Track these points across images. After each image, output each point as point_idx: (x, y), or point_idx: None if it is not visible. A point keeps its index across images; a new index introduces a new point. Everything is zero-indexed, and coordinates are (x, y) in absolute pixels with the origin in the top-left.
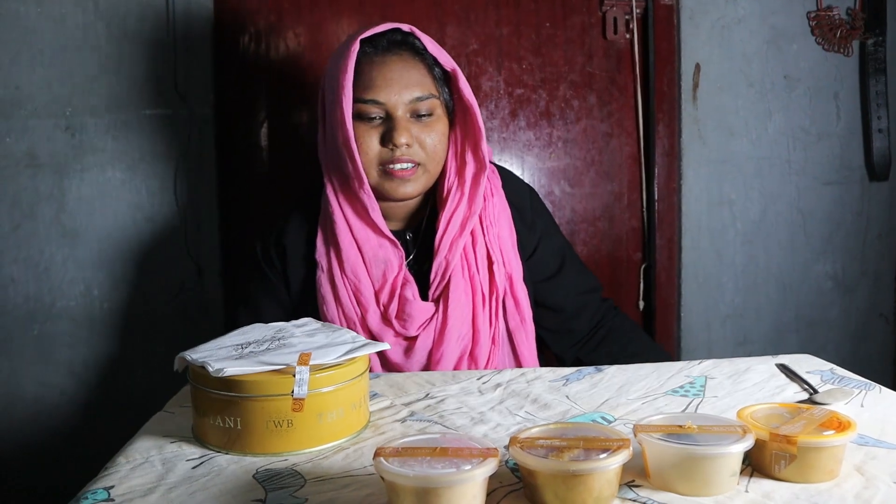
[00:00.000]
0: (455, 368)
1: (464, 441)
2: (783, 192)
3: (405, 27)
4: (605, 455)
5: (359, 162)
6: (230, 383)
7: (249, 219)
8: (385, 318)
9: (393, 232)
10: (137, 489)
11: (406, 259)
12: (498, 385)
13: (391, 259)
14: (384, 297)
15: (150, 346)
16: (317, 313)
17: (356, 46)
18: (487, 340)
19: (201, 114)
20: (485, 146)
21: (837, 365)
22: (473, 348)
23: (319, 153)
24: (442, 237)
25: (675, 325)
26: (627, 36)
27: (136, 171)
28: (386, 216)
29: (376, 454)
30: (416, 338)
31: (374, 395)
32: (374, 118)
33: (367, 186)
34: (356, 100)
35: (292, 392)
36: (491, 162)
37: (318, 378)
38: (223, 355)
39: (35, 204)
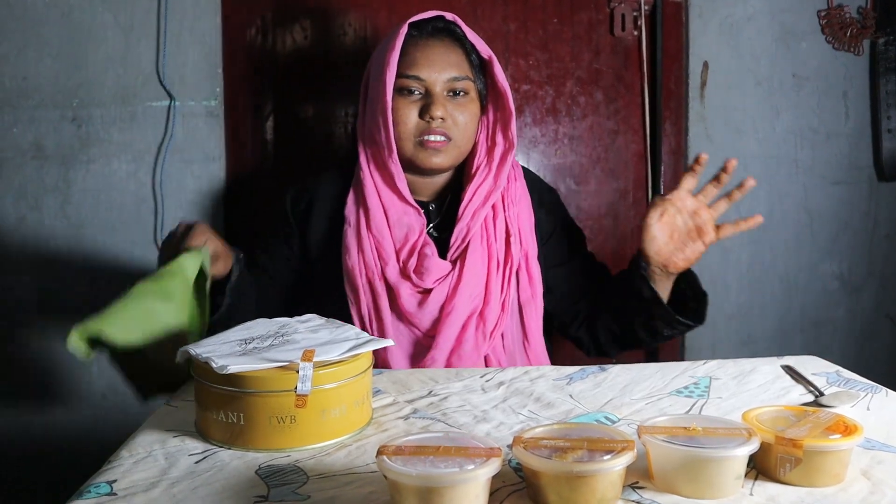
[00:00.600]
0: (464, 326)
1: (467, 440)
2: (790, 191)
3: (449, 16)
4: (609, 456)
5: (391, 131)
6: (234, 378)
7: (255, 212)
8: (403, 272)
9: (417, 202)
10: (140, 483)
11: (427, 227)
12: (501, 383)
13: (413, 224)
14: (404, 255)
15: None
16: (334, 266)
17: (405, 29)
18: (497, 305)
19: (208, 107)
20: (514, 127)
21: (842, 366)
22: (483, 308)
23: (358, 126)
24: (466, 206)
25: None
26: (635, 33)
27: (142, 164)
28: (413, 190)
29: (379, 452)
30: (430, 291)
31: (376, 392)
32: (415, 92)
33: (395, 156)
34: (399, 75)
35: (295, 388)
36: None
37: (321, 374)
38: (226, 351)
39: (41, 195)
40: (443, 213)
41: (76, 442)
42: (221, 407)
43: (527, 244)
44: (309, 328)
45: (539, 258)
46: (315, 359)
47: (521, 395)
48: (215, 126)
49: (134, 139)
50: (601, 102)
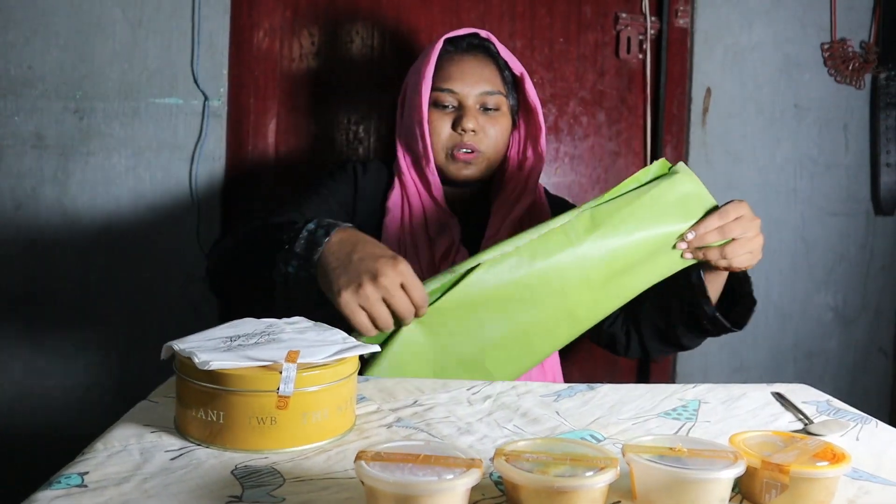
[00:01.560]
0: None
1: (448, 450)
2: (788, 220)
3: (483, 33)
4: (591, 473)
5: (429, 142)
6: (215, 376)
7: (253, 217)
8: (433, 266)
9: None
10: (112, 477)
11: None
12: (488, 397)
13: (450, 228)
14: (438, 253)
15: (140, 334)
16: None
17: (440, 44)
18: None
19: (212, 106)
20: (543, 142)
21: (834, 397)
22: None
23: (396, 133)
24: (497, 212)
25: None
26: (640, 56)
27: (142, 159)
28: (447, 199)
29: (357, 457)
30: None
31: (361, 399)
32: (448, 106)
33: (433, 166)
34: (434, 88)
35: (278, 389)
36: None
37: (305, 377)
38: (211, 347)
39: (38, 185)
40: (470, 222)
41: (61, 435)
42: (202, 404)
43: None
44: (296, 329)
45: None
46: (299, 360)
47: (507, 410)
48: (217, 126)
49: (135, 135)
50: (603, 123)
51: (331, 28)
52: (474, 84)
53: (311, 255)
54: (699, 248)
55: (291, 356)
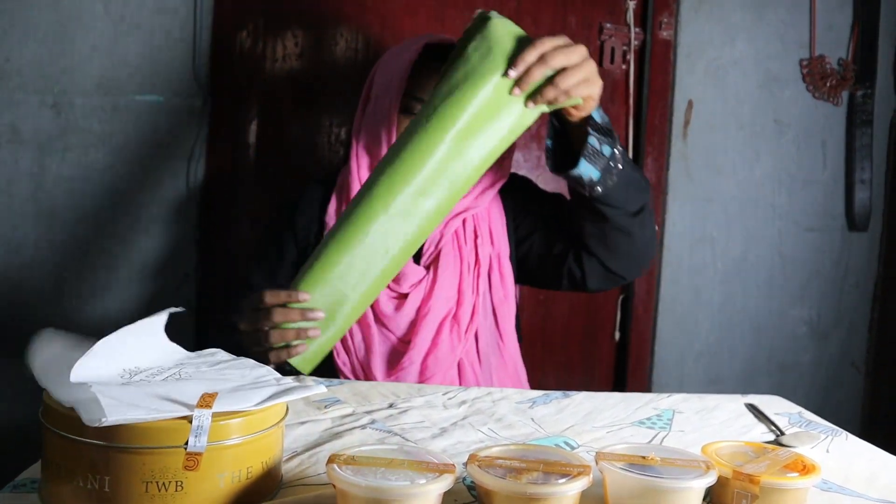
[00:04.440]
0: (439, 327)
1: (421, 454)
2: (765, 234)
3: None
4: (564, 480)
5: None
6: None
7: (230, 218)
8: None
9: None
10: None
11: None
12: (463, 402)
13: None
14: None
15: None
16: None
17: (419, 48)
18: (469, 306)
19: (193, 105)
20: (511, 158)
21: (806, 410)
22: (457, 310)
23: (354, 130)
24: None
25: (648, 359)
26: (623, 67)
27: (120, 156)
28: None
29: (330, 461)
30: (406, 295)
31: (335, 402)
32: None
33: None
34: (407, 94)
35: (186, 444)
36: None
37: (222, 426)
38: (104, 378)
39: (13, 180)
40: None
41: (26, 437)
42: (77, 467)
43: (498, 245)
44: (213, 366)
45: (514, 251)
46: (224, 409)
47: (482, 415)
48: (197, 126)
49: (114, 131)
50: None
51: (315, 31)
52: None
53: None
54: (535, 94)
55: (205, 400)
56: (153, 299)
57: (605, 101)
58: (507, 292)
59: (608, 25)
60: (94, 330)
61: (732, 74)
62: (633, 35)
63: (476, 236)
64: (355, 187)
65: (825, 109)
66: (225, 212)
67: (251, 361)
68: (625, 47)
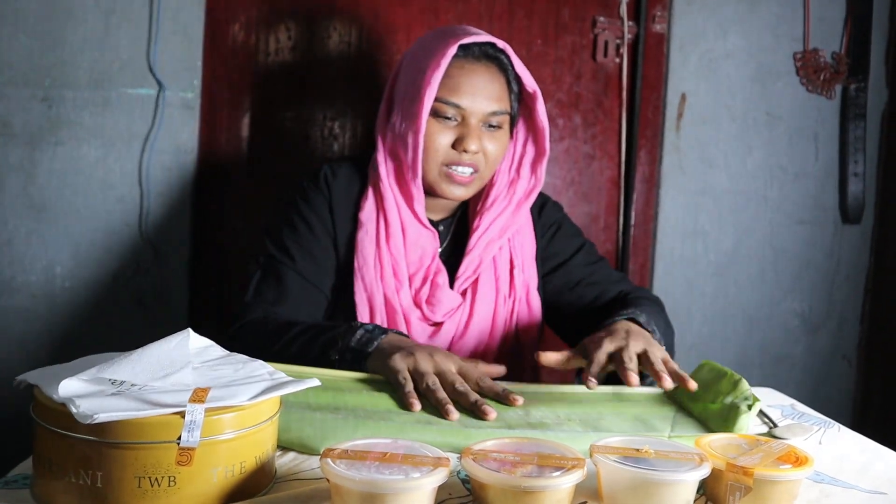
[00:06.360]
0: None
1: (415, 448)
2: (757, 227)
3: (500, 43)
4: (558, 473)
5: (419, 156)
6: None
7: (224, 211)
8: (416, 300)
9: (429, 220)
10: None
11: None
12: None
13: (427, 247)
14: (417, 282)
15: (106, 328)
16: (345, 271)
17: (453, 50)
18: (500, 338)
19: (185, 98)
20: (545, 165)
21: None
22: (488, 342)
23: (378, 129)
24: (481, 236)
25: None
26: (617, 60)
27: (112, 150)
28: (426, 208)
29: (324, 455)
30: (440, 324)
31: None
32: (450, 119)
33: (419, 180)
34: (438, 98)
35: (179, 439)
36: None
37: (215, 420)
38: (90, 390)
39: (4, 174)
40: (451, 233)
41: (12, 427)
42: (70, 463)
43: (528, 275)
44: (206, 362)
45: (542, 286)
46: (216, 404)
47: None
48: (190, 118)
49: (105, 124)
50: (579, 126)
51: (308, 23)
52: (482, 102)
53: (365, 348)
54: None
55: (198, 395)
56: (146, 293)
57: (599, 95)
58: (532, 322)
59: (601, 19)
60: (84, 323)
61: (725, 67)
62: (626, 28)
63: (512, 266)
64: (388, 196)
65: (818, 102)
66: (218, 205)
67: (244, 357)
68: (618, 40)
